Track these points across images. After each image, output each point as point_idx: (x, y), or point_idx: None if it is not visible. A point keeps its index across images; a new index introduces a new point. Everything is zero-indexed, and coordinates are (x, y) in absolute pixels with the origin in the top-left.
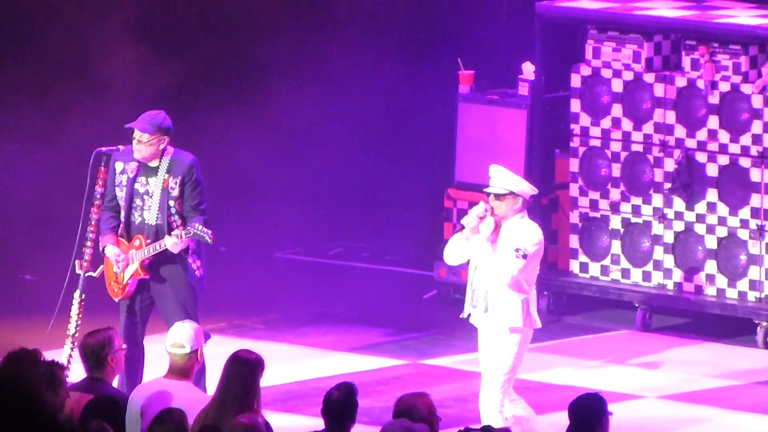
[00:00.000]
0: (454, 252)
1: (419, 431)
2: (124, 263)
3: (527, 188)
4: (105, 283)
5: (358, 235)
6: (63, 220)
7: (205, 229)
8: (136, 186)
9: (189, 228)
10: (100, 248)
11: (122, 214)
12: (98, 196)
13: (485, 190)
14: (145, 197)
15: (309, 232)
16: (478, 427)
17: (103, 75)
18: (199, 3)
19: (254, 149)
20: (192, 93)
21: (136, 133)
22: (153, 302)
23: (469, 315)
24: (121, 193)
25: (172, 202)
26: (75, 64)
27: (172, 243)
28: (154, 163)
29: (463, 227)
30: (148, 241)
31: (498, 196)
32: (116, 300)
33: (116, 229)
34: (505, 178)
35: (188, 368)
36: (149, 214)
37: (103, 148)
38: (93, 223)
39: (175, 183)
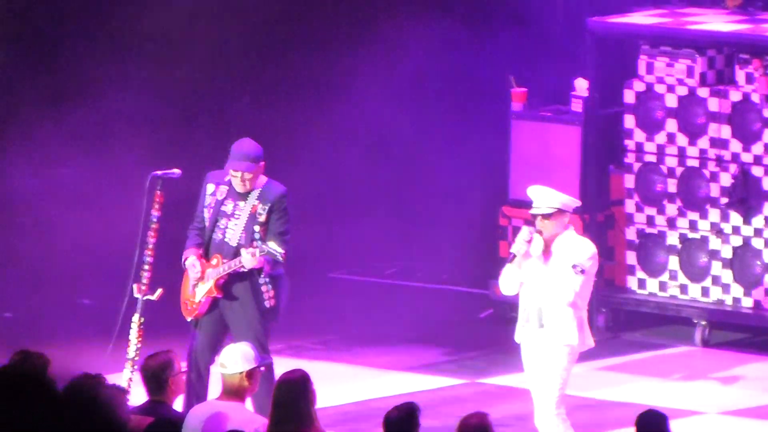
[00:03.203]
0: (508, 281)
1: None
2: (197, 275)
3: (570, 201)
4: (180, 300)
5: (414, 254)
6: (120, 243)
7: (278, 249)
8: (223, 208)
9: (263, 245)
10: (182, 261)
11: (206, 234)
12: (155, 220)
13: (531, 212)
14: (231, 218)
15: (364, 252)
16: None
17: (150, 93)
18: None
19: (307, 172)
20: (245, 110)
21: (237, 172)
22: (225, 323)
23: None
24: (207, 214)
25: (257, 227)
26: (122, 89)
27: (247, 259)
28: None
29: (514, 256)
30: (225, 260)
31: (545, 216)
32: (188, 319)
33: (200, 246)
34: (548, 197)
35: (237, 389)
36: (232, 234)
37: (159, 172)
38: (150, 246)
39: (263, 209)
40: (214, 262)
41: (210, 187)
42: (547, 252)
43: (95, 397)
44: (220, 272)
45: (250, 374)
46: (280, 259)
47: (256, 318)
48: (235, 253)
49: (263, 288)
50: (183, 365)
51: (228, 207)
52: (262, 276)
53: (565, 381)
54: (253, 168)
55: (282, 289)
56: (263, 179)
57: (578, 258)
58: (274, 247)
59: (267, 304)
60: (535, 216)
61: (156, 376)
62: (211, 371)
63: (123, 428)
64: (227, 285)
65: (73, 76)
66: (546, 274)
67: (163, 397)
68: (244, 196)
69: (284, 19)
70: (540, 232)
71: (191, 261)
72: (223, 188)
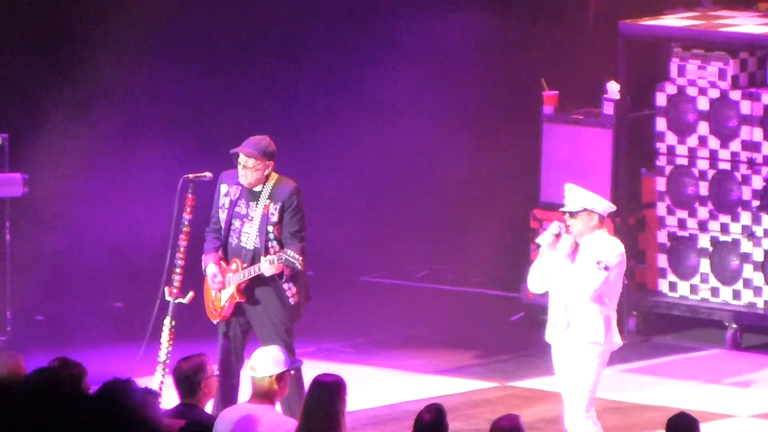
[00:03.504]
0: (536, 277)
1: None
2: (218, 285)
3: (602, 204)
4: (204, 304)
5: (444, 257)
6: (151, 247)
7: (297, 256)
8: (237, 209)
9: (281, 253)
10: (202, 267)
11: (222, 235)
12: (186, 223)
13: (561, 209)
14: (245, 221)
15: (394, 256)
16: None
17: (178, 97)
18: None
19: (338, 177)
20: (277, 114)
21: (242, 158)
22: (250, 326)
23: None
24: (222, 215)
25: (270, 228)
26: (150, 93)
27: (266, 267)
28: (257, 188)
29: (538, 246)
30: (245, 264)
31: (572, 214)
32: (214, 322)
33: (219, 249)
34: (579, 196)
35: (267, 392)
36: (247, 238)
37: (191, 175)
38: (181, 249)
39: (275, 209)
40: (233, 266)
41: (223, 188)
42: (576, 252)
43: (125, 401)
44: (241, 278)
45: (280, 378)
46: (299, 267)
47: (279, 318)
48: (254, 255)
49: (285, 286)
50: (215, 368)
51: (241, 208)
52: (283, 278)
53: (595, 383)
54: (256, 155)
55: (301, 284)
56: (274, 176)
57: (604, 255)
58: (292, 254)
59: (291, 301)
60: (565, 213)
61: (189, 379)
62: (240, 374)
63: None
64: (249, 288)
65: (99, 82)
66: (573, 274)
67: (195, 400)
68: (256, 196)
69: (312, 23)
70: (568, 230)
71: (212, 270)
72: (236, 188)
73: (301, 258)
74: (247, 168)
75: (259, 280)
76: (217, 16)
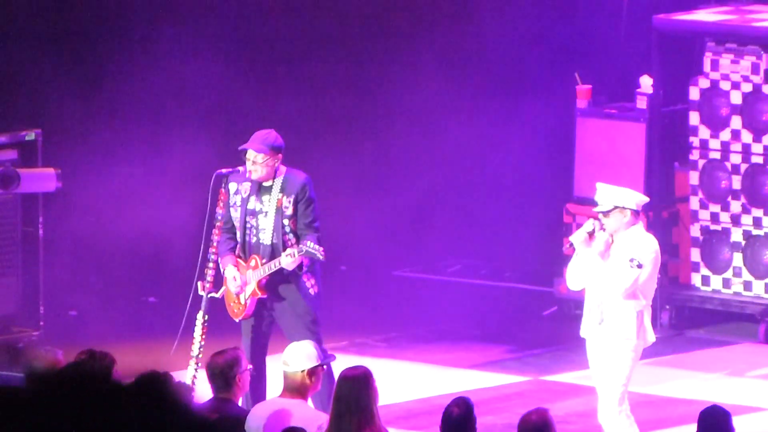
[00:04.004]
0: (574, 275)
1: None
2: (239, 286)
3: (634, 199)
4: (225, 303)
5: (477, 252)
6: (184, 242)
7: (317, 246)
8: (250, 206)
9: (301, 246)
10: (221, 270)
11: (238, 234)
12: (219, 218)
13: (594, 209)
14: (260, 216)
15: (427, 250)
16: None
17: (207, 92)
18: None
19: (371, 170)
20: (310, 107)
21: (251, 154)
22: (273, 322)
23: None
24: (235, 214)
25: (286, 221)
26: (179, 88)
27: (287, 261)
28: (267, 183)
29: (570, 244)
30: (264, 260)
31: (605, 213)
32: (237, 320)
33: (234, 249)
34: (609, 194)
35: (299, 387)
36: (264, 234)
37: (224, 170)
38: (215, 244)
39: (289, 202)
40: (252, 263)
41: (233, 186)
42: (609, 248)
43: (164, 393)
44: (261, 274)
45: (312, 372)
46: (320, 257)
47: (303, 309)
48: (272, 250)
49: (304, 278)
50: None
51: (254, 205)
52: (302, 269)
53: (628, 377)
54: (264, 151)
55: (319, 274)
56: (283, 169)
57: (638, 252)
58: (312, 246)
59: (311, 291)
60: (598, 213)
61: (223, 374)
62: (266, 370)
63: (196, 424)
64: (270, 284)
65: (129, 77)
66: (607, 271)
67: (230, 394)
68: (268, 190)
69: (344, 17)
70: (602, 227)
71: (231, 273)
72: (246, 185)
73: (322, 248)
74: (257, 164)
75: (278, 275)
76: (245, 12)
